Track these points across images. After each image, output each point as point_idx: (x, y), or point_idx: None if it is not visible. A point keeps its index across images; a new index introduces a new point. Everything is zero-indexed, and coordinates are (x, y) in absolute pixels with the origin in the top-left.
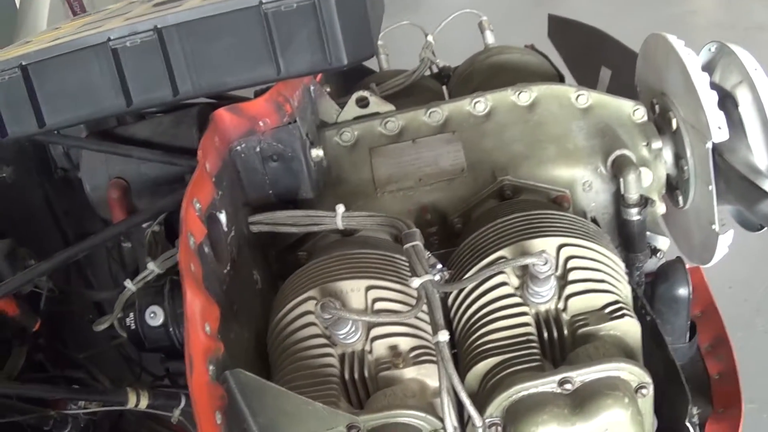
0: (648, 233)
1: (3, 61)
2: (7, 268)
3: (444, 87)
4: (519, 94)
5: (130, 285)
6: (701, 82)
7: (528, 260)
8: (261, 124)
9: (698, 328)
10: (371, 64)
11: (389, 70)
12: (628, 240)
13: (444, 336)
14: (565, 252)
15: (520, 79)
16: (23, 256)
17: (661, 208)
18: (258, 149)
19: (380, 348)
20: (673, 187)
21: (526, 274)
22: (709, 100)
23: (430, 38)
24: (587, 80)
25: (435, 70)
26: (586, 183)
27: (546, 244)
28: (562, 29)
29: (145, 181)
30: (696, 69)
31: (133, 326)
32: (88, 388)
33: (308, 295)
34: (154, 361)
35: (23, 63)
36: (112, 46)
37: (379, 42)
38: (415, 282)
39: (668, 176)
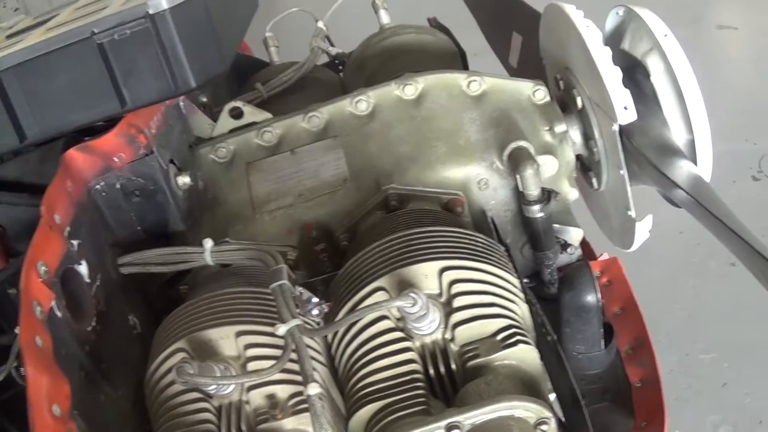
0: (558, 226)
1: None
2: None
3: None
4: (404, 87)
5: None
6: (603, 58)
7: (395, 303)
8: (116, 159)
9: (617, 329)
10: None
11: (279, 64)
12: (534, 238)
13: (314, 389)
14: (448, 276)
15: (417, 62)
16: None
17: (572, 194)
18: (118, 186)
19: (257, 398)
20: (587, 167)
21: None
22: (613, 78)
23: (320, 24)
24: (502, 49)
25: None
26: (481, 181)
27: (426, 270)
28: None
29: (20, 224)
30: (596, 44)
31: None
32: None
33: (176, 347)
34: None
35: None
36: None
37: (268, 34)
38: (281, 329)
39: (580, 156)
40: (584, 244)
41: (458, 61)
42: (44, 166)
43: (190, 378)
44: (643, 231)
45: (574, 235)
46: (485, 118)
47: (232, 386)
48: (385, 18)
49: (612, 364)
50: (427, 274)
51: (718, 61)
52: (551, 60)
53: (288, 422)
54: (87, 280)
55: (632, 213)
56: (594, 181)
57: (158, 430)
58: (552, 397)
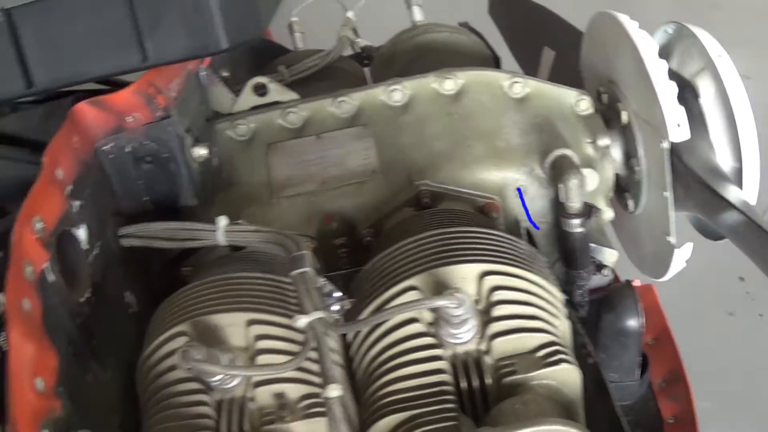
0: (592, 245)
1: None
2: None
3: (366, 70)
4: (443, 81)
5: None
6: (658, 71)
7: (437, 302)
8: (130, 119)
9: (651, 360)
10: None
11: (303, 50)
12: (568, 255)
13: (335, 391)
14: (489, 281)
15: (449, 61)
16: None
17: (608, 213)
18: (129, 149)
19: (264, 396)
20: (622, 188)
21: (441, 310)
22: (668, 93)
23: (350, 14)
24: (531, 63)
25: (357, 50)
26: (519, 188)
27: (465, 272)
28: (503, 5)
29: (15, 183)
30: (652, 56)
31: None
32: None
33: (177, 330)
34: None
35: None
36: None
37: (294, 18)
38: (301, 321)
39: (617, 176)
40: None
41: (492, 65)
42: (48, 123)
43: (196, 364)
44: (680, 260)
45: (608, 257)
46: (527, 122)
47: (237, 380)
48: (418, 15)
49: (644, 397)
50: (466, 277)
51: None
52: (594, 72)
53: (298, 426)
54: (85, 246)
55: (672, 239)
56: (630, 202)
57: (148, 419)
58: None
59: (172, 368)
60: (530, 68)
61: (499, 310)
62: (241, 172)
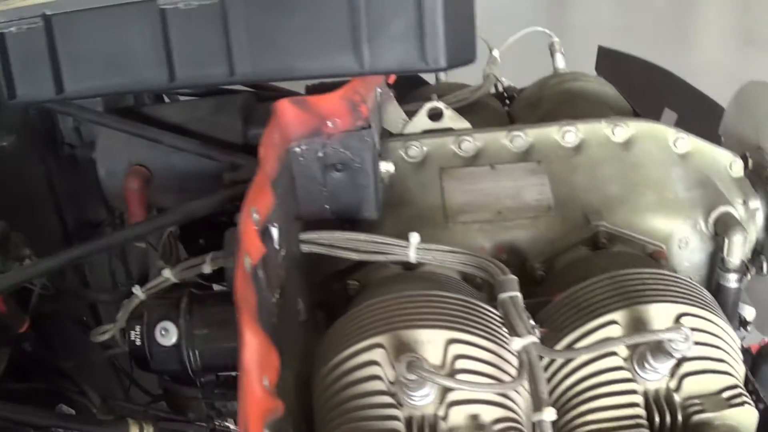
0: None
1: (23, 7)
2: None
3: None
4: (614, 128)
5: (138, 292)
6: None
7: (666, 335)
8: (330, 124)
9: None
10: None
11: (447, 83)
12: (721, 308)
13: (550, 415)
14: (686, 323)
15: (596, 111)
16: (17, 244)
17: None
18: (321, 154)
19: (458, 416)
20: (757, 251)
21: (641, 346)
22: None
23: (495, 53)
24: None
25: (499, 89)
26: (682, 239)
27: (664, 312)
28: (614, 63)
29: (172, 173)
30: None
31: (138, 342)
32: (82, 416)
33: (375, 341)
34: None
35: (47, 12)
36: (160, 5)
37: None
38: (516, 344)
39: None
40: None
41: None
42: (217, 118)
43: (427, 374)
44: None
45: (748, 313)
46: (690, 177)
47: (431, 397)
48: (561, 62)
49: None
50: (663, 316)
51: None
52: (740, 137)
53: None
54: (276, 246)
55: None
56: (765, 265)
57: (329, 428)
58: None
59: (366, 379)
60: None
61: (693, 351)
62: (414, 193)
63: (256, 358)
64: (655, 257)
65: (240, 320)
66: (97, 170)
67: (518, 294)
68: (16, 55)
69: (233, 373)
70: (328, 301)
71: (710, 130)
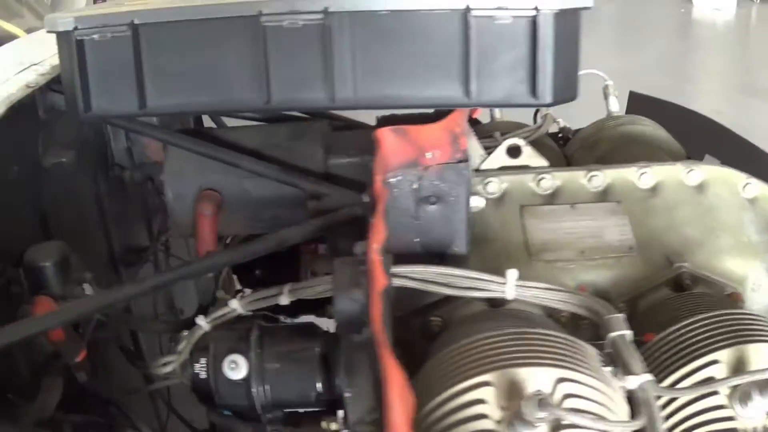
0: None
1: (110, 14)
2: (55, 278)
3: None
4: (688, 172)
5: (202, 323)
6: None
7: None
8: (428, 155)
9: None
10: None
11: (504, 121)
12: None
13: None
14: None
15: (653, 154)
16: (77, 267)
17: None
18: (415, 186)
19: None
20: None
21: (744, 384)
22: None
23: None
24: None
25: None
26: (756, 282)
27: (765, 351)
28: (646, 108)
29: (245, 199)
30: None
31: (203, 375)
32: None
33: (483, 379)
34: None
35: (135, 21)
36: (263, 22)
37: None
38: (632, 382)
39: None
40: None
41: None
42: (296, 144)
43: (562, 413)
44: None
45: None
46: (760, 221)
47: None
48: (614, 105)
49: None
50: (765, 356)
51: None
52: None
53: None
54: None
55: None
56: None
57: None
58: None
59: (473, 418)
60: None
61: None
62: (495, 230)
63: (402, 402)
64: (732, 299)
65: (382, 356)
66: (165, 193)
67: (627, 332)
68: (96, 65)
69: (301, 410)
70: (407, 337)
71: (755, 175)
